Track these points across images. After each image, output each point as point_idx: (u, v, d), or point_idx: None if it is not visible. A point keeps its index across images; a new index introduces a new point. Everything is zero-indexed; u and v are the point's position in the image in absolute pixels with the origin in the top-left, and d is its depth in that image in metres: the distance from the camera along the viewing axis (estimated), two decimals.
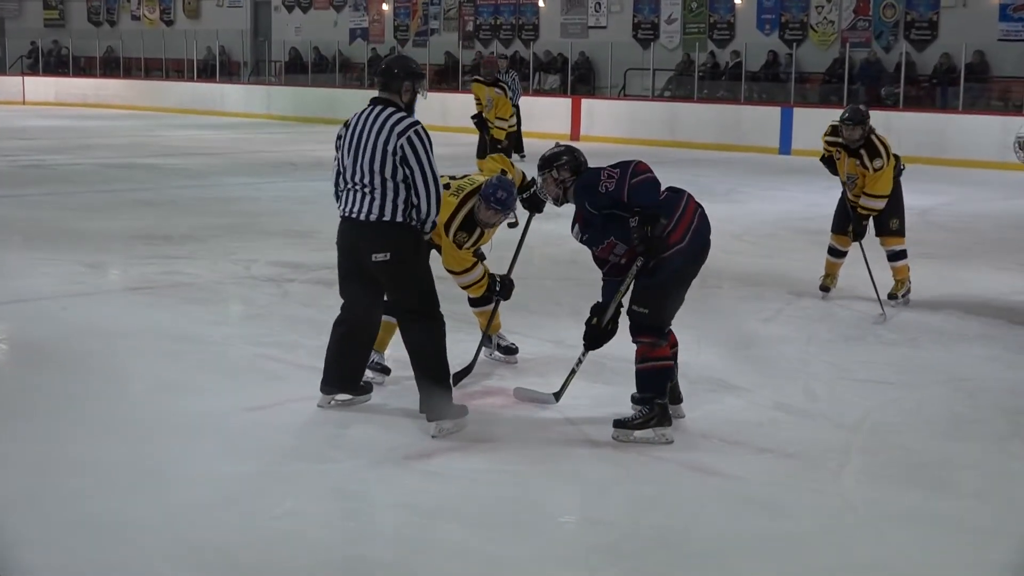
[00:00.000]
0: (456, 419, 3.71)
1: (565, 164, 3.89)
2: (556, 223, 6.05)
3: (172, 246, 7.84)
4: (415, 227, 3.71)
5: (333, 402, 3.91)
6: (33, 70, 26.01)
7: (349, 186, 3.77)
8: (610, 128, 16.59)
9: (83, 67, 25.58)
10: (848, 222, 5.96)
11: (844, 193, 6.03)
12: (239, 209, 9.87)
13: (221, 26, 23.75)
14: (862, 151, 5.77)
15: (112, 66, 25.62)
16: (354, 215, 3.73)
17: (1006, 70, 15.25)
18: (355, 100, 12.72)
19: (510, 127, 10.40)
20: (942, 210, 10.47)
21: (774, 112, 15.78)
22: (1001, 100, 15.31)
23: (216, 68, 22.99)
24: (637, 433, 3.71)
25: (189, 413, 4.04)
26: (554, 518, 3.36)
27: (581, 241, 3.95)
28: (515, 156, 11.71)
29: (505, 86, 10.40)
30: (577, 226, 3.91)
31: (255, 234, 8.42)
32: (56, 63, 26.88)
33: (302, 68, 22.07)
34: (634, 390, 3.81)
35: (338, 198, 3.86)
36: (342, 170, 3.80)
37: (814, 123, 13.78)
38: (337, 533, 3.20)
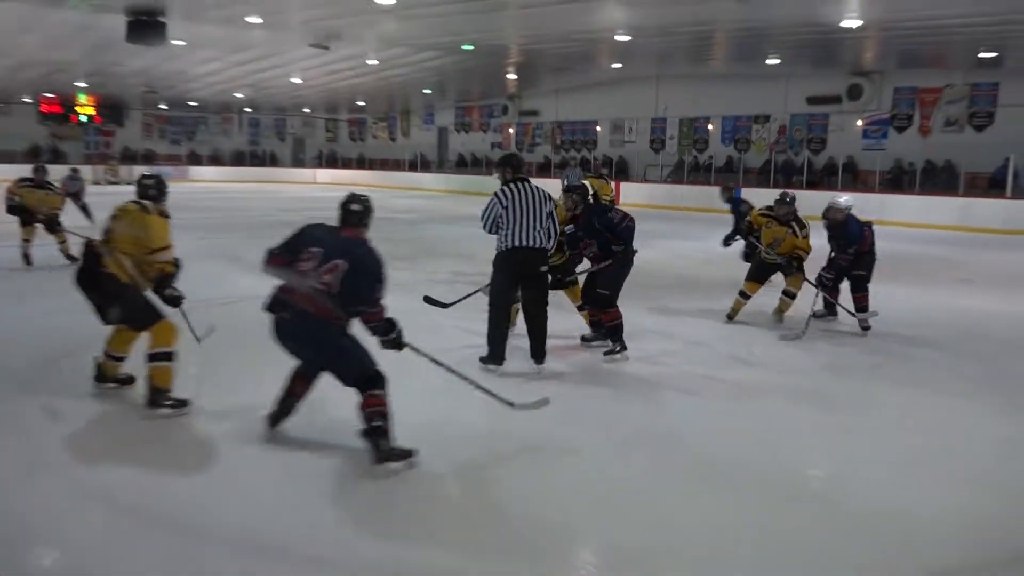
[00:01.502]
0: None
1: (581, 192, 6.09)
2: None
3: (396, 261, 9.09)
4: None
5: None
6: (319, 165, 36.65)
7: (527, 229, 5.24)
8: (637, 198, 22.40)
9: (346, 163, 36.25)
10: (761, 275, 7.24)
11: (759, 253, 7.23)
12: (431, 240, 13.21)
13: (422, 140, 32.76)
14: (792, 222, 7.06)
15: (362, 163, 35.99)
16: (535, 245, 5.25)
17: (866, 166, 20.70)
18: (489, 183, 19.97)
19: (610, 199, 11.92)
20: (826, 248, 13.27)
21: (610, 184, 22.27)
22: (862, 183, 20.35)
23: (418, 164, 32.46)
24: (616, 356, 5.77)
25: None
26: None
27: (570, 234, 5.90)
28: None
29: (605, 177, 13.09)
30: (572, 226, 5.86)
31: (440, 256, 11.29)
32: (331, 161, 37.90)
33: (464, 164, 30.78)
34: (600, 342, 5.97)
35: (497, 233, 5.31)
36: (516, 219, 5.24)
37: (754, 197, 21.46)
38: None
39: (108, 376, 4.83)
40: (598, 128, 27.65)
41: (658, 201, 22.48)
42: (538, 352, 5.44)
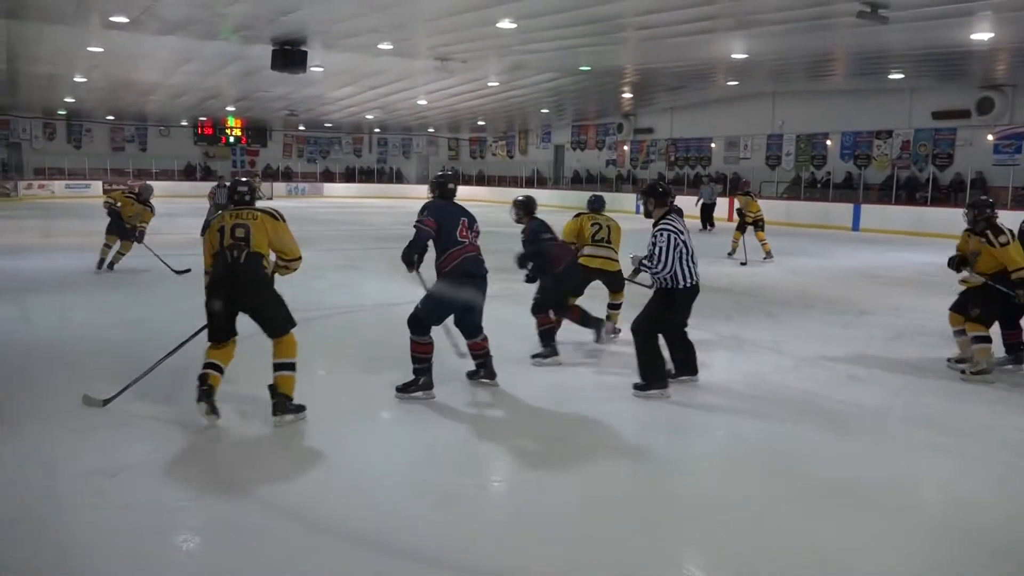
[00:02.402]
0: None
1: (522, 207, 6.20)
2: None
3: (504, 272, 7.12)
4: None
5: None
6: None
7: (693, 264, 5.24)
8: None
9: (467, 180, 37.17)
10: (960, 306, 5.82)
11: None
12: None
13: (539, 158, 33.49)
14: (987, 231, 5.63)
15: (481, 179, 37.01)
16: (698, 280, 5.27)
17: (996, 183, 19.51)
18: (609, 199, 19.71)
19: (757, 216, 12.92)
20: None
21: (850, 207, 20.76)
22: (995, 200, 19.87)
23: (535, 180, 33.15)
24: (546, 361, 5.88)
25: (516, 370, 5.77)
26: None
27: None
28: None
29: (751, 194, 13.32)
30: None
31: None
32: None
33: (579, 180, 31.13)
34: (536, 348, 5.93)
35: (685, 272, 5.17)
36: (688, 256, 5.19)
37: (876, 212, 20.59)
38: None
39: (214, 389, 4.58)
40: (712, 145, 27.20)
41: (774, 217, 21.93)
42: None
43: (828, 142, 23.65)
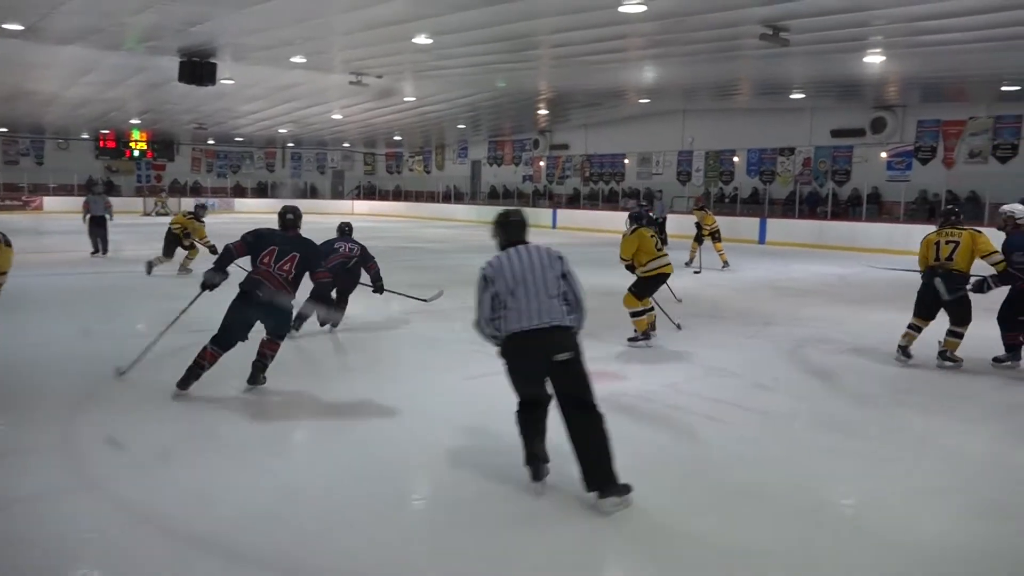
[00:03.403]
0: (622, 496, 3.58)
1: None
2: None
3: (423, 289, 9.22)
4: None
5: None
6: (357, 196, 37.45)
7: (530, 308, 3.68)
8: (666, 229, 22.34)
9: (383, 195, 37.19)
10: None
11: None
12: (460, 269, 12.58)
13: (456, 173, 33.38)
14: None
15: (398, 194, 36.68)
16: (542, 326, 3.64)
17: (890, 198, 20.62)
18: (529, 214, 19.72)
19: (713, 229, 13.94)
20: (853, 277, 13.54)
21: (756, 221, 21.42)
22: (887, 214, 20.42)
23: (452, 195, 33.00)
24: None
25: (429, 377, 5.86)
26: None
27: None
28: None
29: (705, 209, 14.59)
30: None
31: (466, 284, 10.22)
32: (369, 193, 38.75)
33: (496, 195, 31.22)
34: None
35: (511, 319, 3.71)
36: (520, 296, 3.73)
37: (780, 226, 21.39)
38: None
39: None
40: (626, 161, 27.83)
41: (685, 231, 22.73)
42: (596, 477, 3.70)
43: (735, 158, 24.60)
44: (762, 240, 21.01)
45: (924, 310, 6.71)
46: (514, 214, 4.18)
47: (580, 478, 3.65)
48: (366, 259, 7.68)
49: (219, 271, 5.47)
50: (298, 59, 16.43)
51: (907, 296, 8.58)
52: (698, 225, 14.21)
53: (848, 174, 22.10)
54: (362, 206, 36.87)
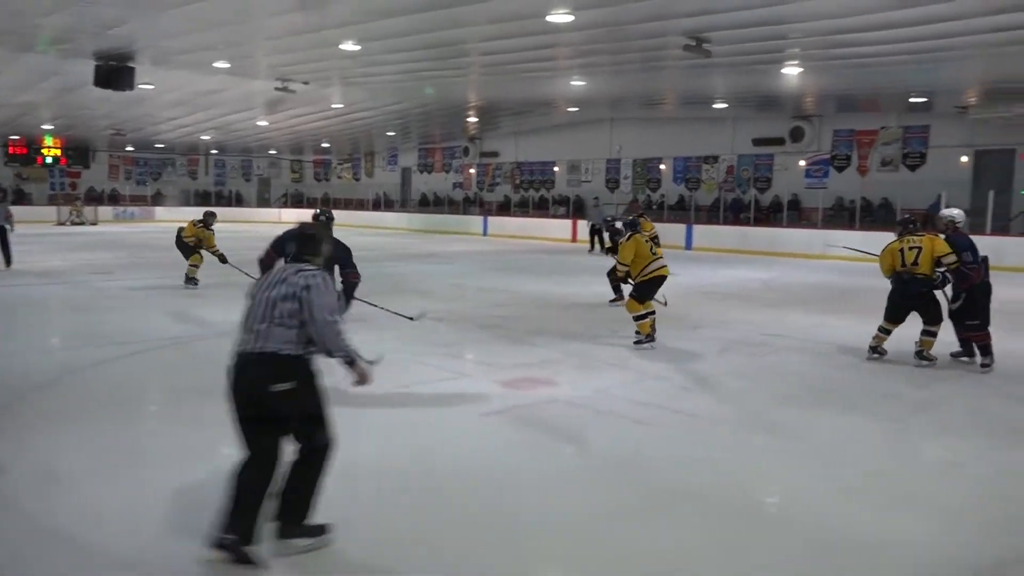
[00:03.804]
0: (314, 538, 3.25)
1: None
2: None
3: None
4: None
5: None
6: (285, 204, 36.54)
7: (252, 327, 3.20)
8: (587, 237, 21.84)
9: (311, 203, 35.75)
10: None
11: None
12: (392, 277, 12.95)
13: (386, 181, 32.98)
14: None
15: (327, 202, 35.43)
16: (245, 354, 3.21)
17: (808, 204, 21.35)
18: (451, 221, 19.13)
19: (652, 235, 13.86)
20: (774, 281, 13.86)
21: (683, 227, 21.81)
22: (806, 220, 21.10)
23: (382, 203, 32.71)
24: None
25: (368, 390, 4.14)
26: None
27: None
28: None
29: (643, 215, 14.21)
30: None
31: (399, 292, 10.73)
32: (297, 201, 37.88)
33: (426, 203, 30.88)
34: None
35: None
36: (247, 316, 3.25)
37: (706, 232, 21.87)
38: None
39: None
40: (556, 168, 28.11)
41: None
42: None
43: (662, 166, 25.11)
44: (689, 246, 21.42)
45: (894, 314, 7.06)
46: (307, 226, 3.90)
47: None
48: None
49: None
50: (221, 64, 16.05)
51: (826, 299, 8.92)
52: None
53: (769, 181, 22.79)
54: (290, 214, 35.82)
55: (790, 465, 4.60)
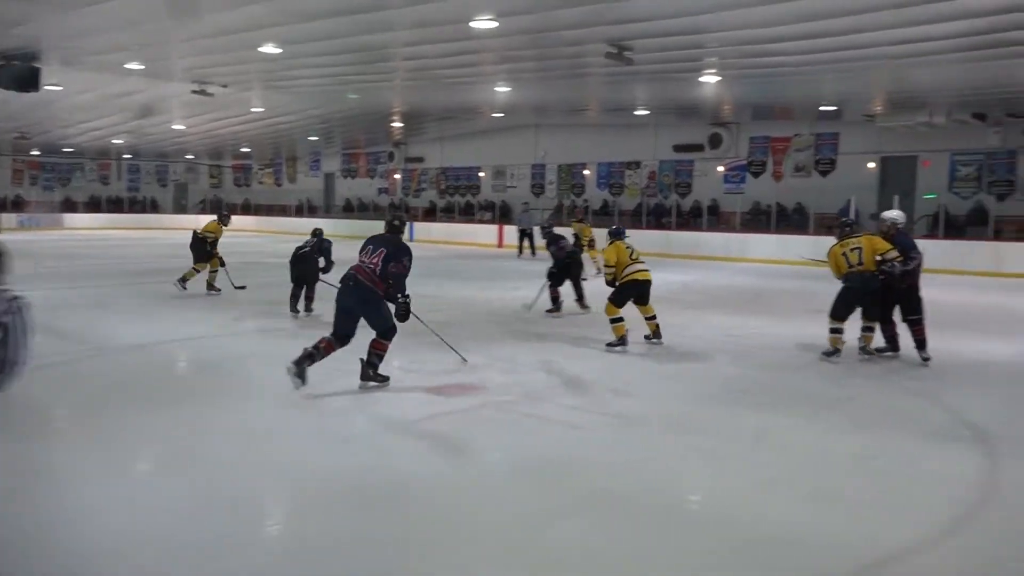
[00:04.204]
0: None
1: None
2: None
3: (277, 306, 10.03)
4: None
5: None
6: (203, 211, 35.18)
7: None
8: (516, 240, 21.93)
9: (231, 209, 34.97)
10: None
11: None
12: (319, 285, 11.15)
13: (309, 186, 32.38)
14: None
15: (248, 208, 34.85)
16: None
17: (727, 209, 22.03)
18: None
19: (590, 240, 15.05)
20: (695, 283, 14.16)
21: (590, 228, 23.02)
22: (725, 224, 21.79)
23: (305, 209, 32.09)
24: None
25: (289, 400, 5.54)
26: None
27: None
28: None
29: (585, 221, 16.15)
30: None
31: (320, 300, 9.64)
32: (216, 207, 36.73)
33: (351, 208, 30.56)
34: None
35: None
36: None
37: (633, 237, 22.29)
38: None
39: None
40: (481, 174, 28.18)
41: (539, 243, 23.36)
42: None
43: (586, 172, 25.50)
44: None
45: (844, 311, 7.38)
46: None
47: None
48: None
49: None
50: (134, 65, 15.52)
51: (744, 300, 9.14)
52: (576, 236, 14.56)
53: (690, 187, 23.39)
54: (208, 220, 35.15)
55: (712, 464, 4.72)
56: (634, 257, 8.08)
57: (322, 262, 9.53)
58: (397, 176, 31.03)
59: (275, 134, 28.32)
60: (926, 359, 7.27)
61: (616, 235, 8.39)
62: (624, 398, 6.17)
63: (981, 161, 18.81)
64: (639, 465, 4.66)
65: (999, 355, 8.05)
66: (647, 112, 21.15)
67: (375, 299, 5.90)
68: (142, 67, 15.67)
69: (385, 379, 6.05)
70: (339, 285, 6.01)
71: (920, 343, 7.29)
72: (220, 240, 12.03)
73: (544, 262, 10.65)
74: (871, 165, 20.39)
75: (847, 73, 14.43)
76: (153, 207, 37.43)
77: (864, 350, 7.44)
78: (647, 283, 7.93)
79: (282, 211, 33.52)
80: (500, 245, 23.72)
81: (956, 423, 5.64)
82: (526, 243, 20.76)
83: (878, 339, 7.56)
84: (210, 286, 11.69)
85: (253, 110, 22.19)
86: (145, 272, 15.12)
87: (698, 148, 22.91)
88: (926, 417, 5.86)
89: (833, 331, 7.40)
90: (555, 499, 4.11)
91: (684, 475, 4.57)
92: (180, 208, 37.87)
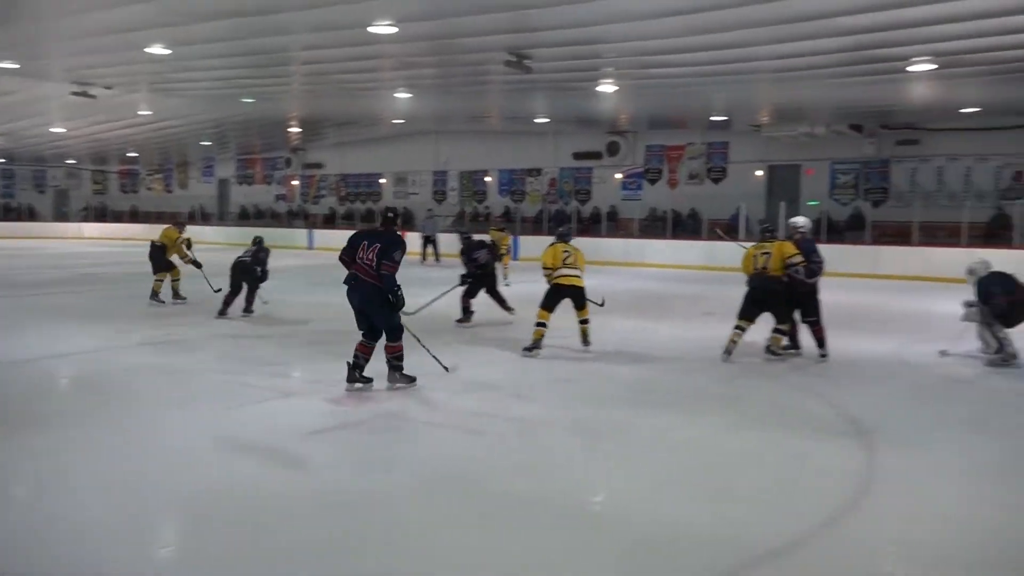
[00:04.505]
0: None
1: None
2: None
3: (166, 318, 9.97)
4: None
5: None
6: (86, 218, 33.39)
7: None
8: (418, 247, 21.37)
9: (117, 216, 33.30)
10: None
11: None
12: (209, 294, 11.05)
13: (201, 192, 31.09)
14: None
15: (135, 216, 33.03)
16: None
17: (625, 215, 22.56)
18: (280, 235, 18.38)
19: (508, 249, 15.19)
20: (596, 288, 12.23)
21: (510, 238, 22.03)
22: (623, 230, 22.28)
23: (198, 216, 30.51)
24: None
25: (181, 414, 5.42)
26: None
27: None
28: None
29: (504, 230, 15.85)
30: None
31: (211, 312, 10.13)
32: (100, 214, 34.57)
33: (247, 216, 29.51)
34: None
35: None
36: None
37: (532, 243, 22.37)
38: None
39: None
40: (382, 180, 27.90)
41: (442, 249, 23.22)
42: None
43: (488, 178, 25.64)
44: (516, 256, 21.71)
45: (748, 312, 7.73)
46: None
47: None
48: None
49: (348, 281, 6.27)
50: (8, 64, 14.60)
51: (643, 304, 9.31)
52: (494, 244, 14.60)
53: (589, 193, 23.85)
54: (92, 229, 33.30)
55: (614, 465, 4.82)
56: (568, 262, 8.17)
57: (260, 271, 9.69)
58: (295, 182, 30.36)
59: (164, 138, 27.18)
60: (824, 356, 7.73)
61: (558, 237, 8.56)
62: (527, 403, 6.22)
63: (858, 170, 19.98)
64: (541, 469, 4.71)
65: (877, 352, 8.55)
66: (547, 120, 21.47)
67: (377, 297, 6.07)
68: (16, 66, 14.77)
69: (412, 379, 6.27)
70: (348, 284, 6.26)
71: (820, 342, 7.75)
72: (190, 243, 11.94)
73: (449, 269, 10.66)
74: (759, 173, 21.33)
75: (734, 85, 15.07)
76: (31, 215, 35.17)
77: (769, 349, 7.78)
78: (571, 288, 8.03)
79: (173, 219, 32.01)
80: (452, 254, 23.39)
81: (838, 418, 5.95)
82: (430, 249, 20.75)
83: (715, 345, 7.94)
84: (176, 294, 11.57)
85: (141, 113, 21.23)
86: (22, 284, 14.37)
87: (596, 156, 23.42)
88: (812, 413, 6.15)
89: (735, 328, 7.75)
90: (456, 508, 4.11)
91: (586, 477, 4.64)
92: (61, 216, 35.69)
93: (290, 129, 25.23)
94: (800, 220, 8.21)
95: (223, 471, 4.54)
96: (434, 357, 6.84)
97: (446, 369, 6.83)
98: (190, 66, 14.85)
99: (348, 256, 6.24)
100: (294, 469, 4.59)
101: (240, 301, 10.10)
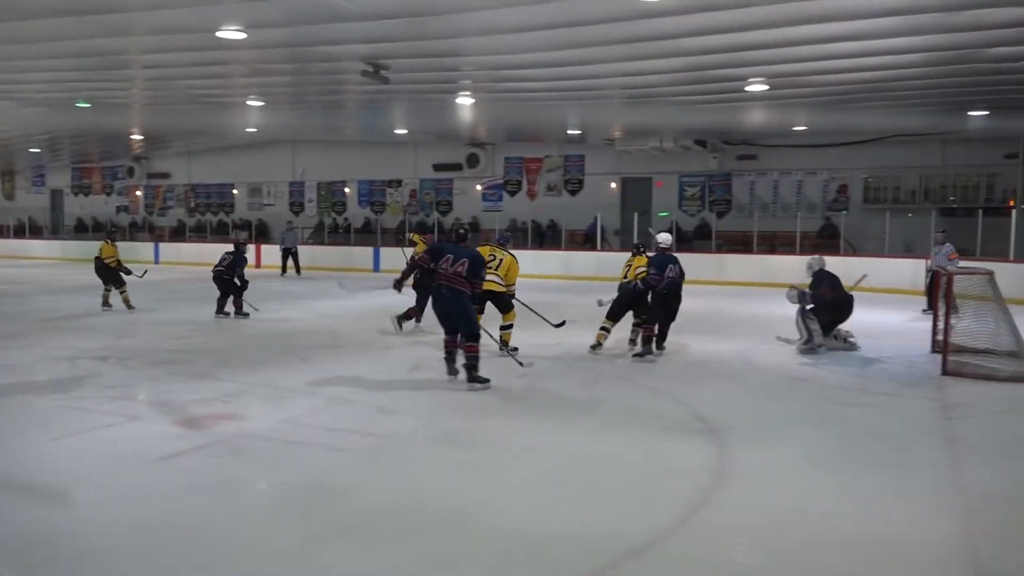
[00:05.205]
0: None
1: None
2: None
3: (4, 340, 9.38)
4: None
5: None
6: None
7: None
8: (276, 260, 20.90)
9: None
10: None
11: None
12: (47, 313, 11.99)
13: (31, 204, 28.43)
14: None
15: None
16: None
17: (486, 225, 22.39)
18: (123, 249, 17.14)
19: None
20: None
21: (370, 250, 22.07)
22: (486, 241, 23.72)
23: (27, 229, 27.93)
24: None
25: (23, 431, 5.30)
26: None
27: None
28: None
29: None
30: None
31: (51, 331, 10.01)
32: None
33: (84, 228, 27.43)
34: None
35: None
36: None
37: (391, 255, 22.06)
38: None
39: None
40: (235, 191, 26.85)
41: (301, 262, 22.59)
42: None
43: (347, 190, 25.20)
44: (376, 268, 21.62)
45: (615, 313, 8.79)
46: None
47: None
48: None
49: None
50: None
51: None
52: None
53: (450, 204, 23.94)
54: (101, 245, 29.67)
55: (480, 474, 4.84)
56: (491, 266, 8.55)
57: (237, 281, 10.66)
58: (139, 193, 28.59)
59: None
60: (648, 352, 8.50)
61: (495, 242, 9.28)
62: (391, 416, 6.15)
63: (703, 182, 21.16)
64: (405, 482, 4.66)
65: (723, 353, 9.06)
66: (406, 131, 21.35)
67: (463, 302, 6.88)
68: None
69: (486, 381, 6.84)
70: (436, 292, 6.97)
71: (646, 340, 8.55)
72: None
73: (309, 282, 10.38)
74: (613, 185, 22.15)
75: (587, 102, 15.58)
76: None
77: (632, 342, 8.85)
78: (487, 292, 8.22)
79: (108, 233, 29.21)
80: (259, 265, 22.57)
81: (691, 417, 6.24)
82: (290, 262, 20.16)
83: (577, 350, 8.85)
84: (127, 303, 12.33)
85: None
86: None
87: (457, 167, 23.54)
88: (667, 413, 6.41)
89: (601, 328, 8.79)
90: (318, 525, 3.99)
91: (452, 488, 4.62)
92: None
93: (132, 137, 23.76)
94: (661, 236, 9.10)
95: (65, 505, 4.20)
96: (514, 358, 7.89)
97: (522, 364, 7.69)
98: (14, 67, 13.69)
99: (431, 265, 7.08)
100: (140, 498, 4.32)
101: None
